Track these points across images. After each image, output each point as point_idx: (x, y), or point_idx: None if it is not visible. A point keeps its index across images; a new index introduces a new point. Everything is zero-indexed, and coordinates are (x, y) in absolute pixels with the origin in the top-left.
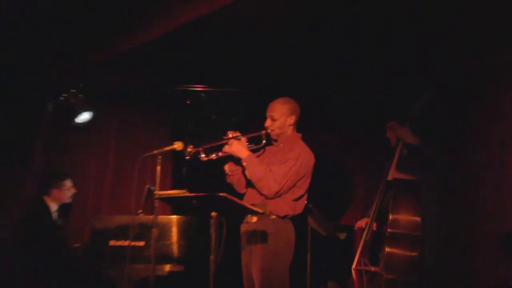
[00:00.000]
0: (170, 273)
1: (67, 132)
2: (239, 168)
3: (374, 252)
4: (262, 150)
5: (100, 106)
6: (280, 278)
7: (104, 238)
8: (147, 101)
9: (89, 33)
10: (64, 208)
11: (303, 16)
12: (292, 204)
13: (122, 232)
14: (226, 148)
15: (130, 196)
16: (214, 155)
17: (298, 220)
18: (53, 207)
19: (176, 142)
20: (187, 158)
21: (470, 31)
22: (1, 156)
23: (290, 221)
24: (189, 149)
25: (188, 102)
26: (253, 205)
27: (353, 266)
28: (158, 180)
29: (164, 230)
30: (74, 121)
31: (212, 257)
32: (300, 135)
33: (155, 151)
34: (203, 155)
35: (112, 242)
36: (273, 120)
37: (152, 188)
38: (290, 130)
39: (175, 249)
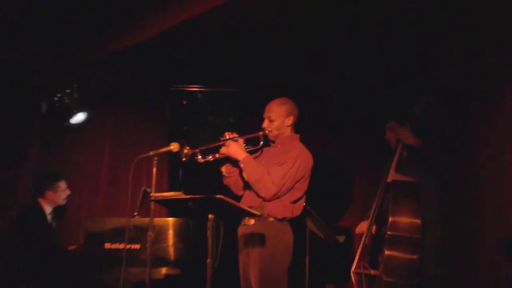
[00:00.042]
0: (167, 276)
1: (62, 133)
2: (236, 170)
3: (374, 255)
4: (259, 152)
5: (95, 107)
6: (278, 281)
7: (99, 241)
8: (142, 101)
9: (83, 33)
10: (58, 210)
11: (302, 15)
12: (290, 206)
13: (117, 234)
14: (223, 150)
15: (126, 198)
16: (211, 157)
17: (296, 223)
18: (48, 209)
19: (172, 143)
20: (183, 159)
21: (470, 31)
22: None
23: (288, 224)
24: (185, 151)
25: (184, 102)
26: (250, 207)
27: (352, 269)
28: (154, 181)
29: (160, 232)
30: (68, 122)
31: (209, 260)
32: (298, 136)
33: (151, 153)
34: (199, 157)
35: (108, 245)
36: (271, 121)
37: (148, 190)
38: (288, 131)
39: (171, 252)
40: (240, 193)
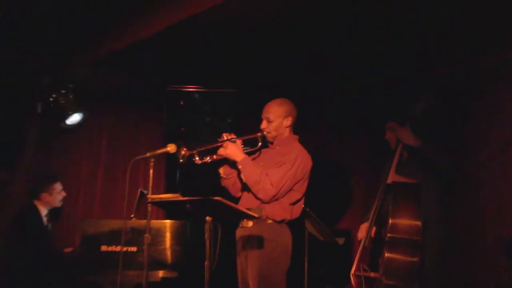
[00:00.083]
0: (164, 279)
1: (57, 134)
2: (234, 171)
3: (374, 257)
4: (258, 153)
5: (90, 107)
6: (277, 284)
7: (95, 243)
8: (139, 102)
9: (79, 32)
10: (54, 212)
11: (302, 14)
12: (289, 208)
13: (114, 237)
14: (221, 151)
15: (122, 200)
16: (209, 158)
17: (295, 225)
18: (43, 211)
19: (169, 145)
20: (180, 161)
21: (470, 31)
22: None
23: (287, 226)
24: (182, 152)
25: (181, 103)
26: (248, 209)
27: (352, 271)
28: (151, 183)
29: (157, 235)
30: (64, 123)
31: (206, 262)
32: (297, 137)
33: (148, 154)
34: (197, 158)
35: (104, 248)
36: (269, 121)
37: (145, 191)
38: (286, 132)
39: (168, 254)
40: (238, 195)
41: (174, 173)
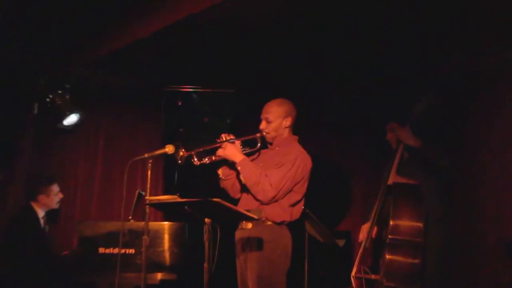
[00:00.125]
0: (162, 281)
1: (54, 134)
2: (233, 173)
3: (374, 259)
4: (257, 154)
5: (87, 108)
6: (276, 286)
7: (93, 246)
8: (137, 102)
9: (76, 33)
10: (51, 214)
11: (301, 14)
12: (288, 209)
13: (111, 239)
14: (220, 152)
15: (120, 202)
16: (207, 159)
17: (295, 226)
18: (41, 213)
19: (167, 146)
20: (179, 162)
21: (470, 31)
22: None
23: (286, 228)
24: (181, 153)
25: (179, 103)
26: (248, 210)
27: (352, 273)
28: (149, 185)
29: (156, 237)
30: (60, 124)
31: (205, 265)
32: (296, 137)
33: (146, 155)
34: (195, 159)
35: (102, 250)
36: (268, 122)
37: (143, 193)
38: (286, 133)
39: (167, 257)
40: (237, 196)
41: (172, 174)
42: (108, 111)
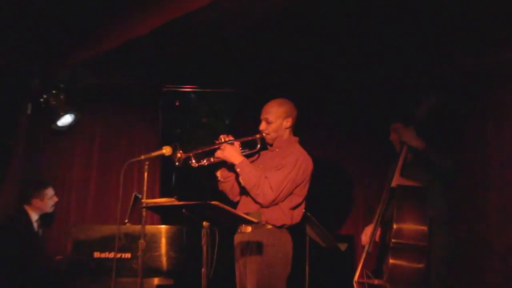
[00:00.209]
0: (159, 287)
1: (48, 136)
2: (232, 175)
3: (378, 264)
4: (256, 155)
5: (82, 108)
6: None
7: (88, 250)
8: (133, 102)
9: (70, 31)
10: (45, 218)
11: (302, 13)
12: (289, 213)
13: (107, 243)
14: (219, 153)
15: (116, 205)
16: (206, 161)
17: (295, 230)
18: (34, 216)
19: (164, 147)
20: (176, 164)
21: (470, 31)
22: None
23: (287, 231)
24: (178, 155)
25: (177, 103)
26: (247, 214)
27: (355, 278)
28: (145, 187)
29: (152, 241)
30: (55, 124)
31: (203, 269)
32: (297, 139)
33: (142, 157)
34: (193, 161)
35: (97, 254)
36: (268, 123)
37: (139, 196)
38: (286, 134)
39: (164, 261)
40: (237, 199)
41: (169, 177)
42: (104, 111)
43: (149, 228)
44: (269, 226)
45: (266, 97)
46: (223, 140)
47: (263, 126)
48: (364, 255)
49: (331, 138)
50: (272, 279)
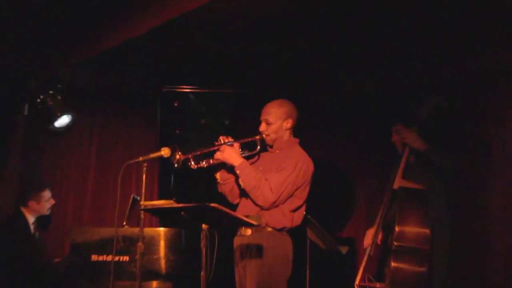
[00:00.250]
0: None
1: (45, 137)
2: (232, 177)
3: (379, 267)
4: (256, 157)
5: (80, 109)
6: None
7: (85, 253)
8: (131, 103)
9: (68, 31)
10: (42, 220)
11: (302, 12)
12: (289, 215)
13: (105, 246)
14: (218, 155)
15: (114, 207)
16: (205, 163)
17: (296, 233)
18: (31, 219)
19: (163, 148)
20: (175, 165)
21: (470, 31)
22: None
23: (287, 234)
24: (177, 156)
25: (175, 104)
26: (247, 216)
27: (356, 282)
28: (143, 189)
29: (151, 243)
30: (52, 125)
31: (202, 273)
32: (297, 140)
33: (141, 158)
34: (192, 163)
35: (94, 257)
36: (268, 124)
37: (138, 198)
38: (286, 135)
39: (162, 264)
40: (236, 201)
41: (168, 179)
42: (102, 111)
43: (148, 230)
44: (269, 229)
45: (266, 97)
46: (222, 142)
47: (263, 127)
48: (365, 258)
49: (332, 139)
50: (272, 283)
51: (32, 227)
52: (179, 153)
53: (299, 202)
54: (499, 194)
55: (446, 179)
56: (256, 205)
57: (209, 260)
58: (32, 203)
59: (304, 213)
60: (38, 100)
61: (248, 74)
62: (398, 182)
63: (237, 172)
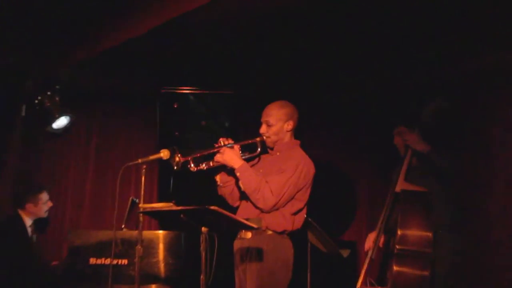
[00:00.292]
0: None
1: (43, 138)
2: (232, 179)
3: (381, 271)
4: (257, 159)
5: (79, 110)
6: None
7: (83, 256)
8: (131, 104)
9: (68, 30)
10: (39, 223)
11: (302, 13)
12: (290, 218)
13: (103, 249)
14: (218, 157)
15: (112, 209)
16: (205, 165)
17: (297, 236)
18: (28, 221)
19: (162, 150)
20: (175, 168)
21: (470, 31)
22: None
23: (288, 237)
24: (177, 158)
25: (175, 105)
26: (247, 219)
27: (358, 286)
28: (142, 191)
29: (150, 246)
30: (50, 127)
31: (202, 276)
32: (298, 142)
33: (140, 160)
34: (192, 165)
35: (93, 260)
36: (269, 125)
37: (136, 200)
38: (287, 137)
39: (161, 267)
40: (236, 204)
41: (167, 181)
42: (101, 113)
43: (147, 233)
44: (270, 232)
45: (266, 98)
46: (222, 144)
47: (263, 129)
48: (367, 262)
49: (333, 141)
50: (273, 286)
51: (29, 229)
52: (179, 155)
53: (300, 205)
54: (499, 194)
55: (446, 179)
56: (257, 207)
57: (208, 264)
58: (29, 206)
59: (305, 216)
60: (36, 101)
61: (248, 75)
62: (400, 185)
63: (237, 174)
